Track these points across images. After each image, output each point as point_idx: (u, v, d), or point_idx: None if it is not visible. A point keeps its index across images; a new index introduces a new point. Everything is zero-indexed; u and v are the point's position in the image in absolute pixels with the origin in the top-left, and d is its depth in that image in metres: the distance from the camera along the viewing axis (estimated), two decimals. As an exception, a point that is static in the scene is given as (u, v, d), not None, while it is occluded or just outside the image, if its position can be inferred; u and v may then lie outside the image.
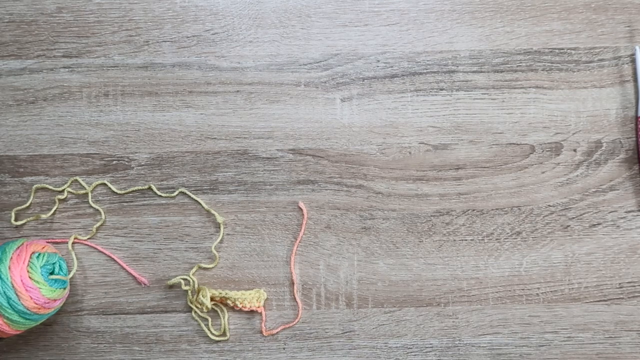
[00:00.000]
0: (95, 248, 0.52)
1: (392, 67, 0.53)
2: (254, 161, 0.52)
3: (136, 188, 0.52)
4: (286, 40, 0.53)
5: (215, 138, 0.52)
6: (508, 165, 0.53)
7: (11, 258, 0.46)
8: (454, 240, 0.52)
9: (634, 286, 0.52)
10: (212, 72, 0.52)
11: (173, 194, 0.52)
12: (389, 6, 0.53)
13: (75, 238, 0.51)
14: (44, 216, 0.51)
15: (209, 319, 0.52)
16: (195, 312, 0.51)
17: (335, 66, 0.53)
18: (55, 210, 0.52)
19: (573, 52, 0.53)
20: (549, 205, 0.52)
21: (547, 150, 0.53)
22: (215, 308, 0.52)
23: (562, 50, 0.53)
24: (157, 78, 0.52)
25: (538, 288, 0.52)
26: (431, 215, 0.52)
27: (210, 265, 0.52)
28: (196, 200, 0.52)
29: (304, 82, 0.52)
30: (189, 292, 0.51)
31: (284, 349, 0.52)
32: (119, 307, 0.52)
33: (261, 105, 0.52)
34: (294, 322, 0.52)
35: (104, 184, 0.52)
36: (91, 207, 0.52)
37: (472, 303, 0.52)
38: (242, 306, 0.51)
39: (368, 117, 0.53)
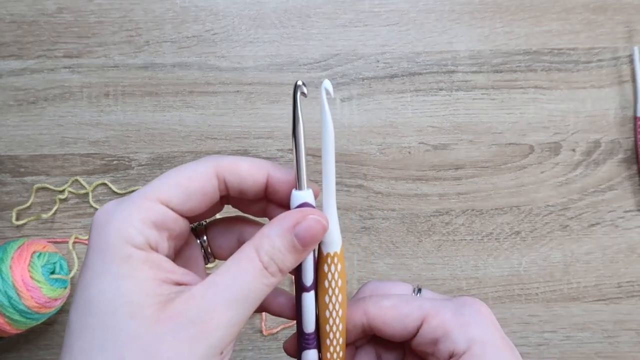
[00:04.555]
0: (95, 248, 0.52)
1: (391, 67, 0.53)
2: (254, 161, 0.52)
3: (137, 188, 0.52)
4: (286, 40, 0.53)
5: (215, 138, 0.52)
6: (507, 165, 0.53)
7: (12, 257, 0.46)
8: (454, 240, 0.52)
9: (633, 285, 0.52)
10: (212, 72, 0.53)
11: (173, 194, 0.52)
12: (389, 6, 0.53)
13: (76, 238, 0.52)
14: (44, 216, 0.51)
15: (209, 319, 0.52)
16: (196, 311, 0.52)
17: (335, 66, 0.53)
18: (56, 210, 0.52)
19: (572, 52, 0.53)
20: (548, 205, 0.52)
21: (546, 150, 0.53)
22: (216, 307, 0.52)
23: (561, 51, 0.53)
24: (158, 78, 0.52)
25: (537, 287, 0.52)
26: (431, 215, 0.52)
27: (211, 265, 0.52)
28: (196, 200, 0.52)
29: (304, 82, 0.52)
30: (190, 291, 0.51)
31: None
32: (119, 307, 0.52)
33: (261, 105, 0.53)
34: (294, 322, 0.52)
35: (105, 184, 0.52)
36: (92, 206, 0.52)
37: (471, 302, 0.52)
38: (242, 305, 0.51)
39: (368, 117, 0.53)
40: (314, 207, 0.26)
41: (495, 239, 0.52)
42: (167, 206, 0.26)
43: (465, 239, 0.52)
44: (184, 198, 0.26)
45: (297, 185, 0.26)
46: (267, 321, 0.52)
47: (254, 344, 0.52)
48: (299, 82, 0.26)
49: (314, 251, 0.27)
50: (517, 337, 0.52)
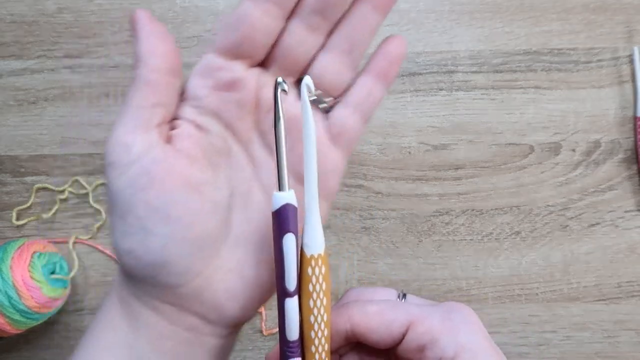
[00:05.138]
0: (96, 248, 0.52)
1: (391, 67, 0.53)
2: (254, 161, 0.52)
3: (137, 188, 0.52)
4: (286, 41, 0.53)
5: (215, 138, 0.52)
6: (507, 165, 0.53)
7: (12, 257, 0.46)
8: (454, 240, 0.52)
9: (632, 285, 0.52)
10: (212, 73, 0.53)
11: (173, 194, 0.52)
12: (388, 7, 0.53)
13: (76, 238, 0.52)
14: (45, 216, 0.51)
15: (210, 319, 0.52)
16: (196, 311, 0.52)
17: (335, 66, 0.53)
18: (56, 210, 0.52)
19: (572, 52, 0.53)
20: (548, 205, 0.53)
21: (546, 150, 0.53)
22: (216, 307, 0.52)
23: (561, 51, 0.53)
24: (158, 78, 0.52)
25: (537, 287, 0.52)
26: (431, 215, 0.52)
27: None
28: (196, 200, 0.52)
29: (304, 83, 0.52)
30: (190, 291, 0.51)
31: (284, 348, 0.52)
32: (119, 307, 0.52)
33: (261, 105, 0.53)
34: (294, 322, 0.52)
35: (105, 184, 0.52)
36: (92, 206, 0.52)
37: (471, 302, 0.52)
38: (243, 305, 0.51)
39: (368, 117, 0.53)
40: (296, 207, 0.26)
41: (495, 239, 0.52)
42: None
43: (465, 239, 0.52)
44: None
45: (279, 185, 0.25)
46: (267, 321, 0.52)
47: (254, 344, 0.52)
48: (279, 79, 0.25)
49: (297, 255, 0.26)
50: (517, 337, 0.52)
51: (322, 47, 0.27)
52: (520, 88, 0.53)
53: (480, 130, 0.53)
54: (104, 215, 0.52)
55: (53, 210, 0.52)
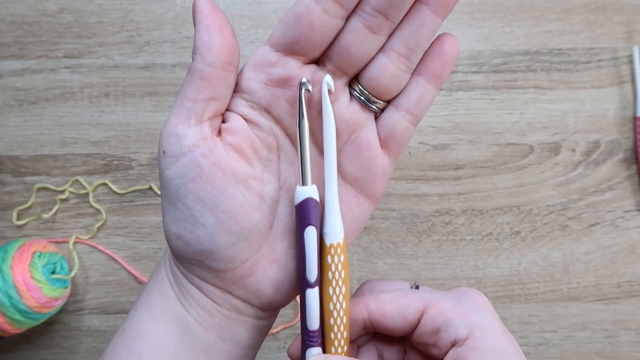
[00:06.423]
0: (96, 248, 0.52)
1: (391, 67, 0.53)
2: (254, 161, 0.52)
3: (137, 188, 0.52)
4: (286, 41, 0.53)
5: (215, 138, 0.52)
6: (507, 165, 0.53)
7: (13, 257, 0.46)
8: (454, 240, 0.52)
9: (632, 285, 0.52)
10: (212, 73, 0.53)
11: (174, 194, 0.52)
12: (388, 7, 0.53)
13: (76, 237, 0.52)
14: (45, 216, 0.51)
15: (210, 318, 0.52)
16: (196, 311, 0.52)
17: (335, 66, 0.53)
18: (56, 210, 0.52)
19: (572, 52, 0.53)
20: (548, 205, 0.53)
21: (546, 150, 0.53)
22: (216, 307, 0.52)
23: (560, 51, 0.53)
24: (158, 78, 0.53)
25: (537, 287, 0.52)
26: (431, 215, 0.52)
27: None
28: (197, 200, 0.52)
29: (304, 83, 0.52)
30: (190, 291, 0.51)
31: (284, 348, 0.52)
32: (120, 307, 0.52)
33: (261, 105, 0.53)
34: (294, 322, 0.52)
35: (105, 184, 0.52)
36: (92, 206, 0.52)
37: (471, 302, 0.52)
38: (243, 305, 0.51)
39: (368, 117, 0.53)
40: (317, 202, 0.27)
41: (495, 239, 0.52)
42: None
43: (465, 239, 0.52)
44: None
45: (302, 180, 0.27)
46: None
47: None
48: (304, 79, 0.26)
49: (318, 245, 0.27)
50: (517, 337, 0.52)
51: (381, 48, 0.27)
52: (520, 88, 0.53)
53: (480, 130, 0.53)
54: (104, 215, 0.52)
55: (53, 210, 0.52)
